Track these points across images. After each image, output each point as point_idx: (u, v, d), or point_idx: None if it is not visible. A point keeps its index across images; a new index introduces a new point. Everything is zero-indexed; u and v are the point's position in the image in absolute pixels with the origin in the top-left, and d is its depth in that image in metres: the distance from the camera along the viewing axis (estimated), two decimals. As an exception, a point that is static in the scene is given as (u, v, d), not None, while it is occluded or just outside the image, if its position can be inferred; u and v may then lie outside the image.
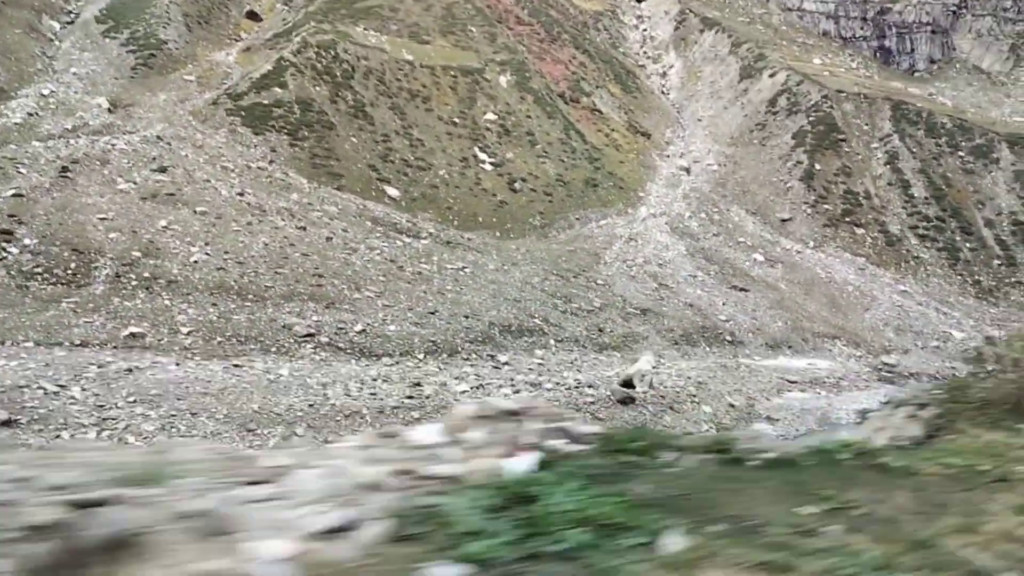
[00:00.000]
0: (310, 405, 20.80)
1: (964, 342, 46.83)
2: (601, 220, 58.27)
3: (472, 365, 27.28)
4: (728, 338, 40.24)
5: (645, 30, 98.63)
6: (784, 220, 62.35)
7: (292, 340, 25.46)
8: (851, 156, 68.10)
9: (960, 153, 68.64)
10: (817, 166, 66.24)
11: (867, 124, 71.84)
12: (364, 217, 41.85)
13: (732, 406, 27.14)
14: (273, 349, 24.91)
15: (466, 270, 38.76)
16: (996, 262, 59.39)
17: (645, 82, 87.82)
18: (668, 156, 73.33)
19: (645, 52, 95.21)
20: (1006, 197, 64.63)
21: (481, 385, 24.80)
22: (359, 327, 27.13)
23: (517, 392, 24.67)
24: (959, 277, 58.04)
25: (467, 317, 30.35)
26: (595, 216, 58.57)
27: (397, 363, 25.99)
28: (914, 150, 68.65)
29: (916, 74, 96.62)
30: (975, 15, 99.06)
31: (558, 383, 25.92)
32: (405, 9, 74.12)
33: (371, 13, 71.04)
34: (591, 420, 23.28)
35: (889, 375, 40.86)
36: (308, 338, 25.76)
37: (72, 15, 63.94)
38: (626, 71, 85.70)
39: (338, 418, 20.52)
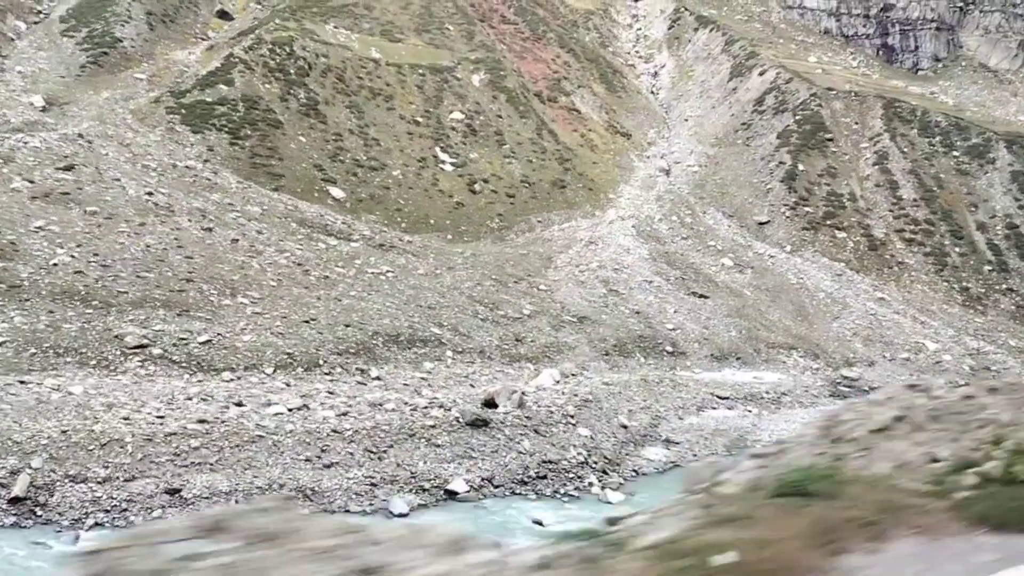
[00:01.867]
0: (63, 432, 18.28)
1: (937, 354, 43.41)
2: (565, 223, 55.48)
3: (332, 380, 24.67)
4: (669, 349, 37.25)
5: (639, 29, 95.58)
6: (761, 223, 59.05)
7: (119, 352, 23.04)
8: (838, 156, 64.58)
9: (955, 153, 64.83)
10: (800, 167, 62.83)
11: (857, 123, 68.24)
12: (291, 219, 39.49)
13: (624, 427, 24.20)
14: (93, 362, 22.47)
15: (388, 275, 36.22)
16: (987, 268, 55.61)
17: (633, 82, 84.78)
18: (649, 157, 70.30)
19: (637, 51, 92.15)
20: (1001, 199, 60.76)
21: (306, 406, 22.10)
22: (205, 337, 24.72)
23: (343, 415, 21.93)
24: (945, 284, 54.35)
25: (347, 326, 27.76)
26: (559, 218, 55.81)
27: (238, 379, 23.48)
28: (905, 150, 64.95)
29: (920, 72, 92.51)
30: (983, 11, 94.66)
31: (406, 402, 23.13)
32: (381, 7, 71.91)
33: (343, 11, 68.90)
34: (425, 446, 20.63)
35: (847, 389, 37.64)
36: (138, 349, 23.32)
37: (42, 15, 62.56)
38: (613, 70, 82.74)
39: (91, 447, 17.94)
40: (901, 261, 55.90)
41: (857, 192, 61.47)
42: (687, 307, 43.62)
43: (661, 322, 40.36)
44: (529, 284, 41.79)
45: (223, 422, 20.05)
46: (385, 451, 20.06)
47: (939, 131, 66.69)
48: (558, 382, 27.68)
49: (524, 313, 36.18)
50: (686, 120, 78.04)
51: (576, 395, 25.15)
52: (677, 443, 24.55)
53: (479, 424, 21.98)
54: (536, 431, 22.32)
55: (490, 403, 23.48)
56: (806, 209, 59.32)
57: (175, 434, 19.11)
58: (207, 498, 17.13)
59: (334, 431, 20.64)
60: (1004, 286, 54.22)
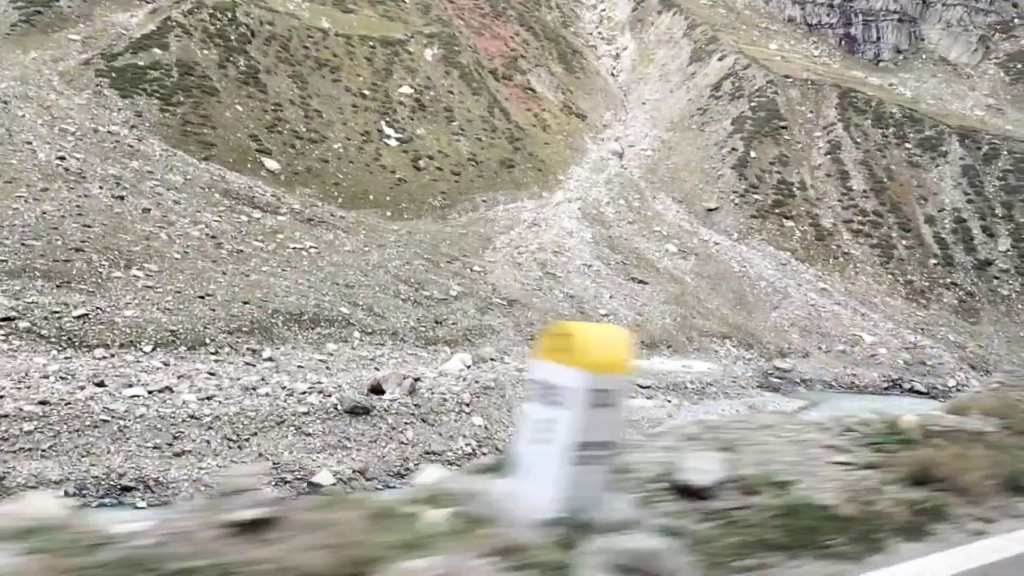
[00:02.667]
0: None
1: (874, 347, 42.92)
2: (511, 203, 54.23)
3: (217, 360, 23.31)
4: (598, 334, 36.26)
5: (603, 10, 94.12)
6: (710, 210, 58.21)
7: (-21, 326, 21.61)
8: (790, 144, 63.87)
9: (907, 145, 64.39)
10: (752, 154, 62.02)
11: (812, 112, 67.56)
12: (215, 190, 37.81)
13: (528, 416, 23.17)
14: (-53, 337, 21.04)
15: (311, 250, 34.78)
16: (932, 261, 55.28)
17: (593, 63, 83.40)
18: (603, 140, 69.11)
19: (600, 33, 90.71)
20: (951, 193, 60.44)
21: (169, 388, 20.67)
22: (81, 311, 23.21)
23: (207, 399, 20.60)
24: (890, 276, 53.94)
25: (246, 303, 26.34)
26: (504, 198, 54.53)
27: (111, 356, 22.03)
28: (858, 140, 64.40)
29: (881, 64, 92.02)
30: (945, 4, 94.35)
31: (284, 387, 21.85)
32: (337, -23, 69.73)
33: (296, -21, 66.65)
34: (293, 434, 19.38)
35: (779, 381, 37.00)
36: (3, 323, 21.83)
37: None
38: (572, 51, 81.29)
39: None
40: (847, 252, 55.40)
41: (808, 181, 60.84)
42: (624, 293, 42.68)
43: (595, 307, 39.37)
44: (463, 264, 40.57)
45: (68, 404, 18.63)
46: (247, 439, 18.83)
47: (893, 122, 66.20)
48: (468, 367, 26.55)
49: (451, 294, 34.96)
50: (644, 103, 76.93)
51: (478, 382, 24.01)
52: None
53: (359, 412, 20.74)
54: (424, 420, 21.16)
55: (376, 389, 22.25)
56: (755, 197, 58.57)
57: (7, 416, 17.70)
58: (33, 487, 15.83)
59: (191, 416, 19.31)
60: (948, 280, 53.94)
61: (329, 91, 55.13)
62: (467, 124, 59.82)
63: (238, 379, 22.08)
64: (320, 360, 24.35)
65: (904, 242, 56.45)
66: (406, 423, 20.82)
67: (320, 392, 21.66)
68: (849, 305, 47.82)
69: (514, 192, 55.59)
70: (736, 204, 58.09)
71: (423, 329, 30.06)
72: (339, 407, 20.94)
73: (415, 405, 21.69)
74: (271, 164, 45.82)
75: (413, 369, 26.12)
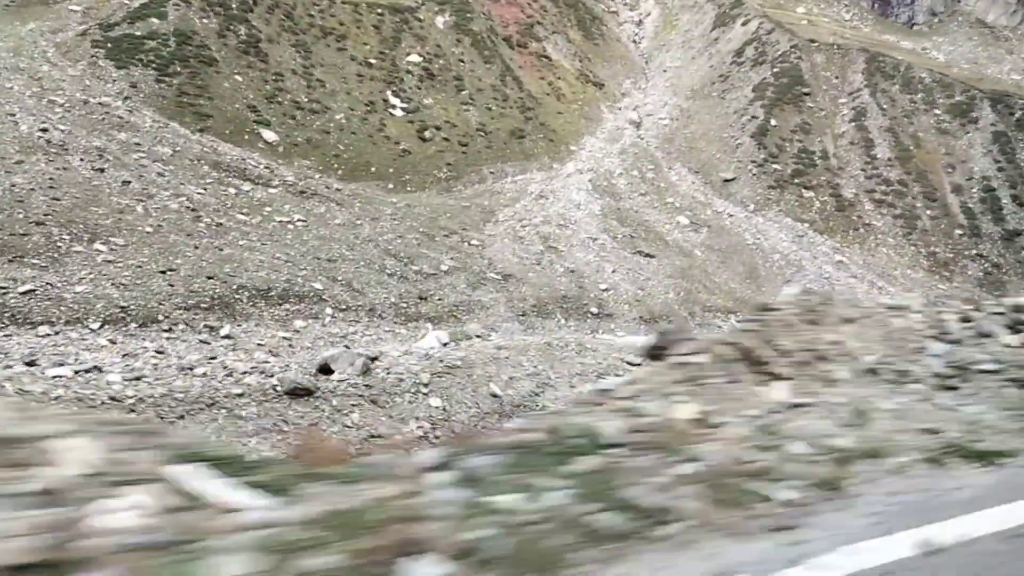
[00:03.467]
0: None
1: (887, 322, 40.85)
2: (520, 175, 52.65)
3: (169, 338, 22.31)
4: (594, 310, 34.80)
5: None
6: (727, 180, 56.08)
7: (-82, 301, 20.79)
8: (813, 112, 61.20)
9: (936, 111, 61.33)
10: (773, 122, 59.54)
11: (837, 78, 64.62)
12: (204, 161, 36.82)
13: (495, 396, 21.82)
14: None
15: (298, 223, 33.70)
16: (958, 232, 52.68)
17: (614, 29, 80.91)
18: (620, 108, 66.96)
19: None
20: (980, 160, 57.47)
21: (97, 368, 19.64)
22: (28, 287, 22.32)
23: (136, 380, 19.56)
24: (913, 248, 51.53)
25: (210, 278, 25.27)
26: (513, 170, 52.94)
27: (56, 333, 21.14)
28: (885, 107, 61.49)
29: (915, 27, 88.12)
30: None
31: (226, 367, 20.77)
32: (348, -57, 68.04)
33: (305, -55, 65.10)
34: (224, 417, 18.23)
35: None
36: (-55, 300, 21.09)
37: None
38: (592, 17, 78.80)
39: None
40: (868, 223, 53.02)
41: (830, 150, 58.27)
42: (628, 266, 41.06)
43: (595, 282, 37.86)
44: (461, 238, 39.27)
45: (-21, 384, 17.79)
46: (172, 423, 17.84)
47: (922, 88, 63.09)
48: (445, 345, 25.31)
49: (441, 269, 33.69)
50: (664, 71, 74.46)
51: (443, 361, 22.75)
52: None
53: (300, 393, 19.58)
54: (374, 401, 19.96)
55: (325, 369, 21.10)
56: (774, 166, 56.23)
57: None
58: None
59: (112, 399, 18.33)
60: (974, 251, 51.38)
61: (334, 60, 53.78)
62: (477, 93, 58.15)
63: (181, 358, 21.11)
64: (284, 338, 23.30)
65: (929, 212, 53.84)
66: (353, 405, 19.67)
67: (262, 372, 20.60)
68: (866, 278, 45.67)
69: (523, 163, 53.95)
70: (754, 174, 55.84)
71: (404, 305, 28.86)
72: (278, 388, 19.87)
73: (365, 386, 20.52)
74: (269, 135, 44.75)
75: (390, 347, 24.96)
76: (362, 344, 24.57)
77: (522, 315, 32.07)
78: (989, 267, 50.46)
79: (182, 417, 17.86)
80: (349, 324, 25.75)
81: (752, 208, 53.11)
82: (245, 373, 20.50)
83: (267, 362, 21.36)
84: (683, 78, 71.36)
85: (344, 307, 26.49)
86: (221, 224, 30.18)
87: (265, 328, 23.50)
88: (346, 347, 22.58)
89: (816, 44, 67.27)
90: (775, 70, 64.51)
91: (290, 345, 22.87)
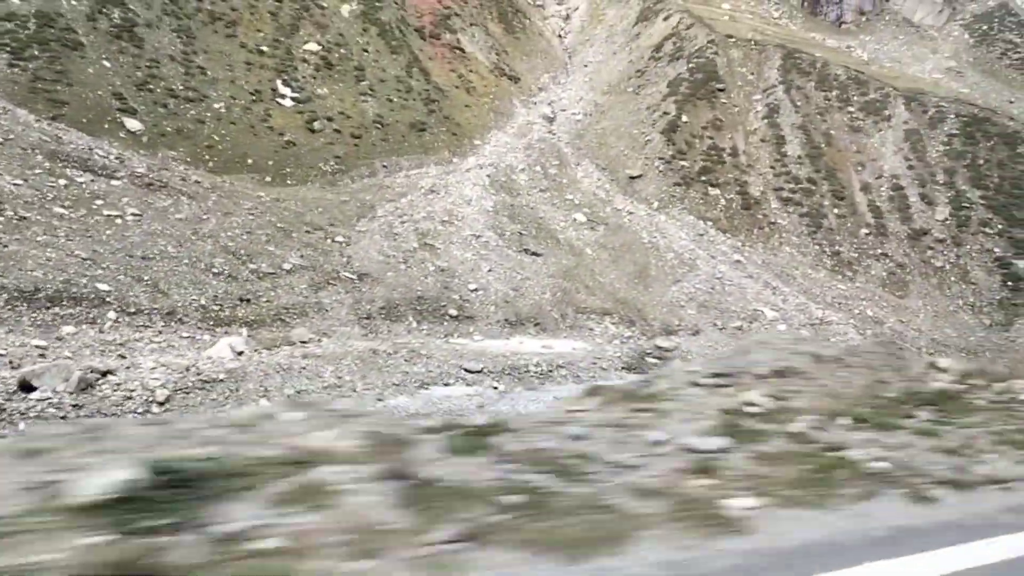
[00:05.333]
0: None
1: (774, 323, 38.80)
2: (415, 168, 49.87)
3: None
4: (452, 312, 32.16)
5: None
6: (633, 177, 53.80)
7: None
8: (727, 108, 59.20)
9: (850, 108, 59.68)
10: (684, 118, 57.39)
11: (753, 74, 62.72)
12: (39, 151, 33.52)
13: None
14: None
15: (128, 219, 30.60)
16: (864, 231, 50.91)
17: (537, 23, 78.44)
18: (535, 103, 64.48)
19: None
20: (892, 159, 55.87)
21: None
22: None
23: None
24: (817, 247, 49.65)
25: (-32, 279, 22.34)
26: (408, 164, 50.15)
27: None
28: (799, 103, 59.70)
29: (843, 26, 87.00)
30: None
31: None
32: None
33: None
34: None
35: (655, 361, 32.84)
36: None
37: None
38: (515, 10, 76.23)
39: None
40: (773, 221, 51.07)
41: (740, 147, 56.28)
42: (509, 265, 38.51)
43: (465, 282, 35.24)
44: (325, 235, 36.43)
45: None
46: None
47: (837, 85, 61.43)
48: (240, 353, 22.52)
49: (283, 268, 30.83)
50: (586, 66, 72.16)
51: (200, 374, 19.93)
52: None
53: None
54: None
55: (25, 386, 18.19)
56: (682, 163, 54.07)
57: None
58: None
59: None
60: (879, 251, 49.66)
61: (221, 47, 50.52)
62: (379, 84, 55.23)
63: None
64: (37, 346, 20.34)
65: (836, 211, 52.06)
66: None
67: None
68: (761, 278, 43.58)
69: (421, 157, 51.20)
70: (661, 171, 53.62)
71: (217, 308, 25.96)
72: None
73: (74, 406, 17.62)
74: (133, 125, 41.49)
75: (178, 355, 22.06)
76: (145, 352, 21.67)
77: (366, 318, 29.33)
78: (893, 267, 48.78)
79: None
80: (135, 330, 22.81)
81: (656, 206, 50.89)
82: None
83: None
84: (602, 73, 69.14)
85: (133, 310, 23.53)
86: (25, 218, 27.06)
87: (16, 335, 20.52)
88: (68, 358, 19.63)
89: (734, 40, 65.35)
90: (690, 65, 62.46)
91: (41, 355, 19.92)
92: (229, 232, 32.59)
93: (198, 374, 19.85)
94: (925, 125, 57.88)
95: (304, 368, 21.85)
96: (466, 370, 25.95)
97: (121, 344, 21.51)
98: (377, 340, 27.77)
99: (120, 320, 22.69)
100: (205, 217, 33.54)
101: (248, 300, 27.05)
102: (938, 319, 44.74)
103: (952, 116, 57.91)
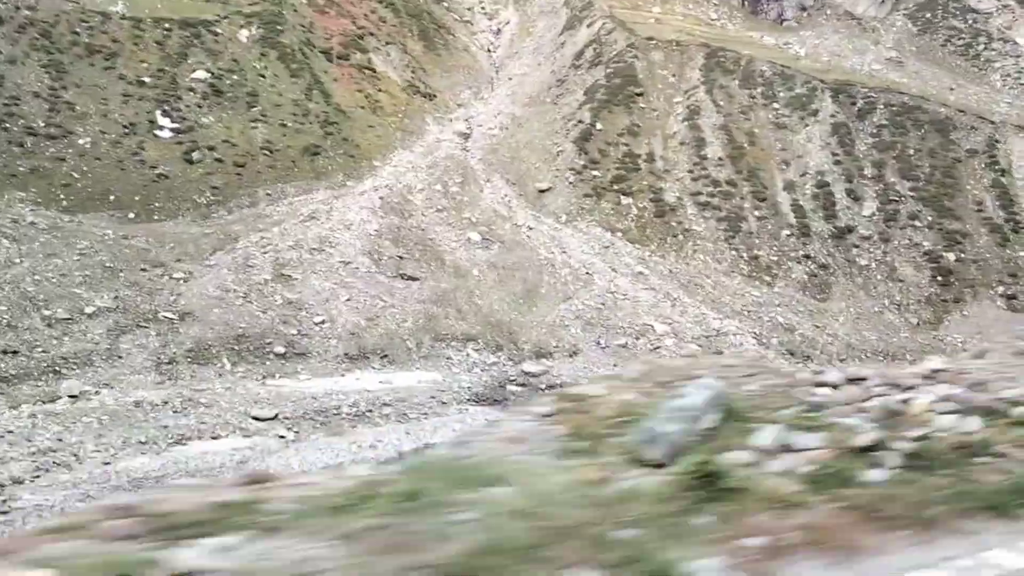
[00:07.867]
0: None
1: (661, 338, 35.33)
2: (302, 195, 46.77)
3: None
4: (279, 350, 28.87)
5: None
6: (542, 191, 50.61)
7: None
8: (645, 113, 56.03)
9: (775, 105, 56.44)
10: (599, 126, 54.26)
11: (674, 76, 59.61)
12: None
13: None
14: None
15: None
16: (786, 233, 47.49)
17: (462, 39, 75.60)
18: (451, 120, 61.45)
19: (482, 7, 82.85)
20: (818, 155, 52.49)
21: None
22: None
23: None
24: (733, 252, 46.23)
25: None
26: (295, 190, 47.06)
27: None
28: (721, 103, 56.46)
29: (784, 23, 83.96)
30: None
31: None
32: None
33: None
34: None
35: (519, 388, 29.42)
36: None
37: None
38: (438, 27, 73.49)
39: None
40: (688, 228, 47.69)
41: (658, 152, 53.03)
42: (374, 292, 35.25)
43: (312, 314, 31.98)
44: (164, 271, 33.28)
45: None
46: None
47: (762, 81, 58.23)
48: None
49: (85, 312, 27.66)
50: (510, 79, 69.22)
51: None
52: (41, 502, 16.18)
53: None
54: None
55: None
56: (594, 173, 50.87)
57: None
58: None
59: None
60: (801, 252, 46.23)
61: (96, 80, 47.74)
62: (273, 109, 52.28)
63: None
64: None
65: (756, 213, 48.68)
66: None
67: None
68: (663, 289, 40.18)
69: (311, 183, 48.14)
70: (571, 183, 50.43)
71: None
72: None
73: None
74: (-22, 167, 38.63)
75: None
76: None
77: (168, 363, 26.07)
78: (816, 268, 45.36)
79: None
80: None
81: (564, 219, 47.66)
82: None
83: None
84: (525, 85, 66.14)
85: None
86: None
87: None
88: None
89: (655, 42, 62.36)
90: (608, 71, 59.47)
91: None
92: (39, 276, 29.46)
93: None
94: (853, 117, 54.63)
95: (12, 432, 18.61)
96: (254, 418, 22.60)
97: None
98: (169, 388, 24.46)
99: None
100: (18, 261, 30.42)
101: (16, 352, 23.87)
102: (860, 321, 41.23)
103: (881, 106, 54.68)
